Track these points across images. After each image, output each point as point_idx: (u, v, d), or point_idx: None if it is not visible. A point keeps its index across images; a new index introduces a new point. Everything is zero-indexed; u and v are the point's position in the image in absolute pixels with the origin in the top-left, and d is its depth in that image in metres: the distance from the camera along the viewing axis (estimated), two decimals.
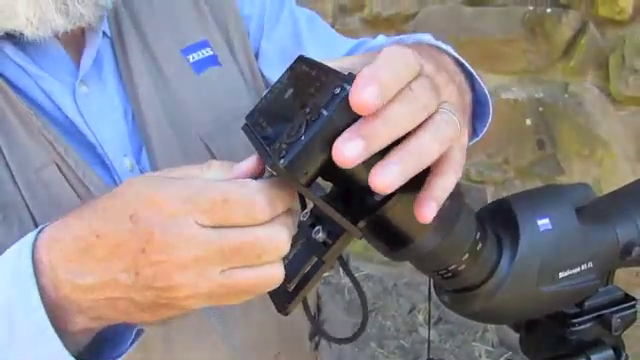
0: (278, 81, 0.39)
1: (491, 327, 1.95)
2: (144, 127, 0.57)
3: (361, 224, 0.36)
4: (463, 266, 0.41)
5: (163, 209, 0.35)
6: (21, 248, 0.40)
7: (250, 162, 0.38)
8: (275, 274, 0.37)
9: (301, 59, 0.39)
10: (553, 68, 1.63)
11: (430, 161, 0.33)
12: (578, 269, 0.46)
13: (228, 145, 0.60)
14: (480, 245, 0.42)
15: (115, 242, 0.36)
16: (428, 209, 0.34)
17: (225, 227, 0.35)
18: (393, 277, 2.23)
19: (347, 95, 0.31)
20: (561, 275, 0.45)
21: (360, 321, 0.41)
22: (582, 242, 0.46)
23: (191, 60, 0.61)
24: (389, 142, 0.32)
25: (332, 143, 0.31)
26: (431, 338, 1.95)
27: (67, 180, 0.52)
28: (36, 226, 0.51)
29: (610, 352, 0.48)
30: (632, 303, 0.51)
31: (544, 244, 0.44)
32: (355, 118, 0.31)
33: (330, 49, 0.69)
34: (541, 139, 1.68)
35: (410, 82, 0.32)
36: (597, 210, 0.49)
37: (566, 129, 1.62)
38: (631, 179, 0.56)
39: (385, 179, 0.31)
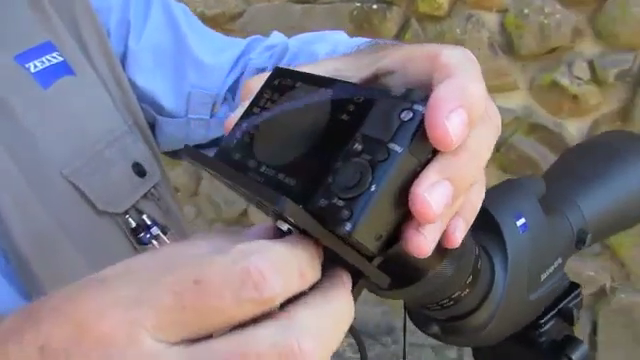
0: (254, 105, 0.28)
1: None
2: None
3: (376, 261, 0.27)
4: (467, 290, 0.35)
5: (91, 330, 0.21)
6: None
7: (263, 228, 0.26)
8: None
9: (281, 72, 0.29)
10: None
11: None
12: (553, 267, 0.43)
13: (104, 181, 0.45)
14: (480, 262, 0.35)
15: None
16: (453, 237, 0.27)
17: (201, 341, 0.21)
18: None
19: (422, 120, 0.22)
20: (543, 277, 0.41)
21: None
22: (551, 237, 0.43)
23: (32, 70, 0.45)
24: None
25: (408, 190, 0.23)
26: None
27: None
28: None
29: (585, 347, 0.46)
30: (579, 290, 0.50)
31: (526, 246, 0.40)
32: (434, 151, 0.23)
33: (218, 49, 0.57)
34: None
35: None
36: (549, 201, 0.46)
37: None
38: None
39: (425, 246, 0.24)
